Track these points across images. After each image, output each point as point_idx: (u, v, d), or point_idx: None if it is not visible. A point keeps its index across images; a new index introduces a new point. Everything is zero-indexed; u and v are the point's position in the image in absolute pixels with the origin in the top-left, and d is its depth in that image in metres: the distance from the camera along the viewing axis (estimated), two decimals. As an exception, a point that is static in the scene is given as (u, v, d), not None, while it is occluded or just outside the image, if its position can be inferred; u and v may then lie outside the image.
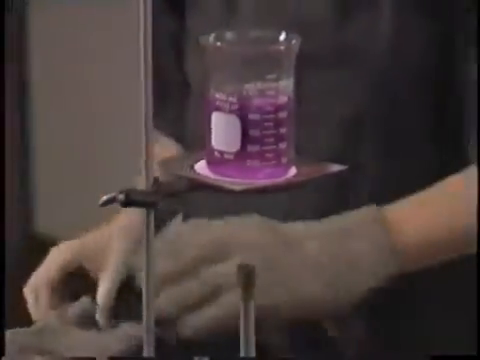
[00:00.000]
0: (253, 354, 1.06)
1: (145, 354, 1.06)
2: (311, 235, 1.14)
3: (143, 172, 0.98)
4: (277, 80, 0.95)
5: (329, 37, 1.28)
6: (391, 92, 1.27)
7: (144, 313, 1.02)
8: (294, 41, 0.97)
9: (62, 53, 4.16)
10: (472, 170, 1.21)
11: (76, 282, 1.42)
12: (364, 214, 1.18)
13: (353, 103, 1.28)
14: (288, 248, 1.15)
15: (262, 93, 0.95)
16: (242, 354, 1.05)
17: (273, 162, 0.96)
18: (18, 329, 1.30)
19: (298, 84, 0.99)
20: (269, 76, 0.95)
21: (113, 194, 1.02)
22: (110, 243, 1.36)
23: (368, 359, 1.31)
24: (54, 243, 1.47)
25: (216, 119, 0.96)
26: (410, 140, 1.28)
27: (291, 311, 1.16)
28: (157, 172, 0.98)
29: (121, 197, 0.99)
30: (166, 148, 1.27)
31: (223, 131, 0.96)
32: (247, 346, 1.03)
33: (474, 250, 1.22)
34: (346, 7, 1.28)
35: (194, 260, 1.18)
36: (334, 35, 1.28)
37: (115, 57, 4.02)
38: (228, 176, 0.96)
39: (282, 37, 0.97)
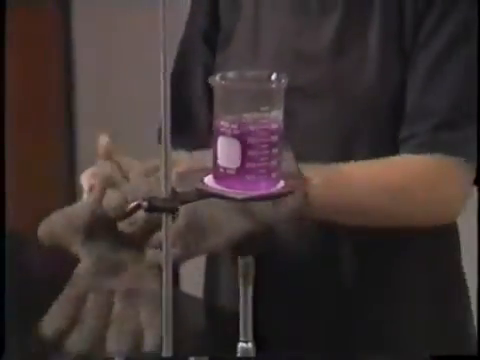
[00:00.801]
0: (250, 334, 1.14)
1: (164, 354, 1.08)
2: None
3: (162, 183, 1.05)
4: (269, 111, 1.05)
5: (326, 71, 1.35)
6: (374, 115, 1.33)
7: (163, 316, 1.05)
8: (283, 80, 1.06)
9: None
10: (396, 159, 1.29)
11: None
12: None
13: (343, 124, 1.34)
14: None
15: (257, 121, 1.05)
16: (241, 335, 1.14)
17: (266, 176, 1.06)
18: None
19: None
20: (263, 108, 1.05)
21: (138, 201, 1.10)
22: None
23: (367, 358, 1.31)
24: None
25: (221, 142, 1.06)
26: (385, 149, 1.31)
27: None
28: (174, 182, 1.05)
29: (145, 204, 1.07)
30: (181, 157, 1.26)
31: (226, 152, 1.06)
32: (245, 327, 1.13)
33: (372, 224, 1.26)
34: (340, 48, 1.34)
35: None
36: (331, 70, 1.35)
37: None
38: (230, 188, 1.06)
39: (273, 77, 1.07)
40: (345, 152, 1.31)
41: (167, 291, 1.04)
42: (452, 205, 1.33)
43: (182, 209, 1.04)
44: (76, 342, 1.17)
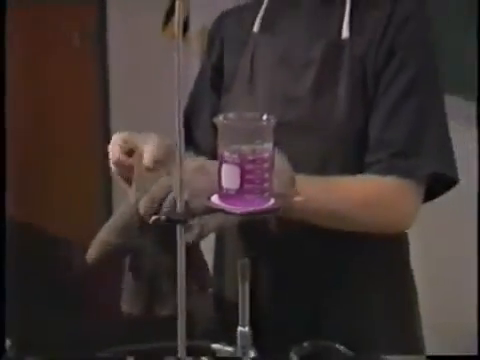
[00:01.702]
0: (247, 321, 1.12)
1: (179, 355, 1.07)
2: None
3: (178, 200, 1.07)
4: (262, 143, 1.06)
5: (307, 111, 1.34)
6: (343, 145, 1.33)
7: (179, 322, 1.05)
8: (272, 120, 1.07)
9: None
10: (360, 177, 1.30)
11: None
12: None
13: (320, 151, 1.34)
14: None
15: (253, 152, 1.05)
16: (240, 321, 1.12)
17: (260, 196, 1.07)
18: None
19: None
20: (257, 141, 1.06)
21: (158, 216, 1.13)
22: None
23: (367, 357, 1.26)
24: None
25: (224, 168, 1.06)
26: (352, 171, 1.29)
27: None
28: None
29: (163, 218, 1.11)
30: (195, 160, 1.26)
31: (228, 176, 1.06)
32: (243, 315, 1.12)
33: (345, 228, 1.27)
34: (317, 94, 1.33)
35: None
36: (310, 110, 1.34)
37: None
38: (232, 205, 1.06)
39: (264, 117, 1.07)
40: (321, 173, 1.30)
41: (180, 282, 1.04)
42: (404, 218, 1.34)
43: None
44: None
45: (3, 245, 1.12)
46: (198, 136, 1.47)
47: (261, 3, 1.42)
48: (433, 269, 2.57)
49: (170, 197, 1.20)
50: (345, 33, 1.32)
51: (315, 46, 1.35)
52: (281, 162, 1.19)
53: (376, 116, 1.31)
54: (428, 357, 1.19)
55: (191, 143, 1.45)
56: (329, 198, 1.24)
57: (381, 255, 1.40)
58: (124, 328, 1.32)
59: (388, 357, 1.20)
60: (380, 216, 1.30)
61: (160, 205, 1.19)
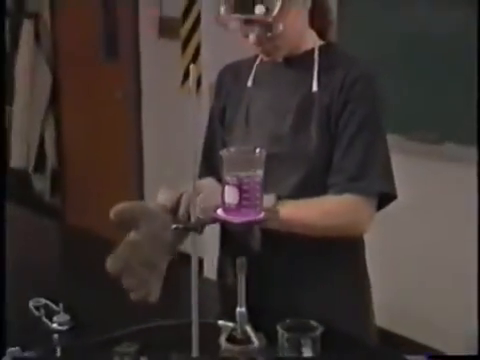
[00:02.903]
0: (244, 303, 1.09)
1: (193, 354, 1.07)
2: None
3: (192, 214, 1.07)
4: (255, 170, 1.06)
5: (287, 147, 1.32)
6: (316, 170, 1.31)
7: (193, 292, 1.05)
8: (263, 152, 1.07)
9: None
10: (326, 197, 1.29)
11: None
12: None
13: (298, 176, 1.31)
14: None
15: (248, 177, 1.06)
16: (238, 303, 1.09)
17: (253, 209, 1.07)
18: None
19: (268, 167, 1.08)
20: (252, 169, 1.06)
21: (177, 224, 1.12)
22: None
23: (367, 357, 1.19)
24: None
25: (227, 189, 1.07)
26: (321, 190, 1.28)
27: None
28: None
29: (181, 226, 1.11)
30: (209, 184, 1.25)
31: (230, 194, 1.06)
32: (240, 298, 1.09)
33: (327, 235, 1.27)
34: (295, 133, 1.32)
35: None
36: (290, 146, 1.32)
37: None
38: (232, 216, 1.06)
39: (257, 151, 1.07)
40: (300, 191, 1.30)
41: (194, 275, 1.02)
42: (359, 225, 1.33)
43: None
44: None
45: (3, 245, 1.08)
46: (216, 164, 1.42)
47: (254, 62, 1.41)
48: (434, 268, 2.52)
49: (183, 211, 1.20)
50: (314, 88, 1.32)
51: (293, 97, 1.34)
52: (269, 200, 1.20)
53: (336, 149, 1.30)
54: (430, 357, 1.07)
55: (211, 168, 1.42)
56: (305, 213, 1.25)
57: (343, 252, 1.37)
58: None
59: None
60: (340, 225, 1.30)
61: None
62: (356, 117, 1.29)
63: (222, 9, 1.24)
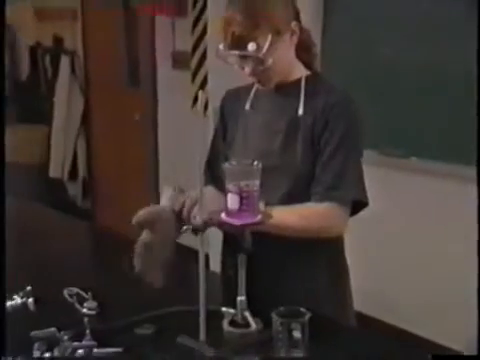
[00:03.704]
0: (244, 292, 1.11)
1: (201, 335, 1.05)
2: None
3: (199, 217, 1.06)
4: (253, 180, 1.06)
5: (278, 161, 1.30)
6: (301, 181, 1.28)
7: (201, 282, 1.04)
8: (259, 165, 1.06)
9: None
10: (307, 204, 1.26)
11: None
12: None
13: (287, 186, 1.29)
14: None
15: (247, 186, 1.05)
16: (238, 292, 1.11)
17: (251, 213, 1.06)
18: None
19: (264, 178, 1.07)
20: (250, 179, 1.05)
21: (187, 227, 1.11)
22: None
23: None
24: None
25: (229, 196, 1.06)
26: (305, 198, 1.26)
27: None
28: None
29: (191, 227, 1.09)
30: (210, 192, 1.24)
31: (232, 201, 1.05)
32: (241, 288, 1.11)
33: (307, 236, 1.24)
34: (283, 150, 1.30)
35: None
36: (280, 160, 1.30)
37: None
38: (233, 218, 1.06)
39: (255, 163, 1.07)
40: (287, 199, 1.27)
41: (201, 268, 1.01)
42: (335, 228, 1.30)
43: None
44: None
45: (3, 245, 1.04)
46: (218, 175, 1.41)
47: (251, 89, 1.40)
48: (433, 269, 2.46)
49: (186, 214, 1.16)
50: (300, 112, 1.30)
51: (282, 120, 1.32)
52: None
53: (317, 164, 1.28)
54: (433, 357, 1.00)
55: (213, 179, 1.39)
56: (289, 218, 1.22)
57: (325, 249, 1.35)
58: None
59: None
60: (319, 227, 1.27)
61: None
62: (334, 136, 1.26)
63: (221, 46, 1.23)
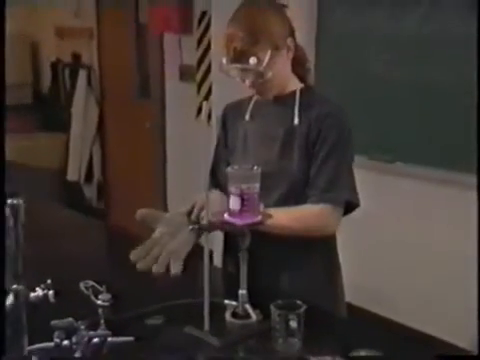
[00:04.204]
0: (245, 285, 1.09)
1: (205, 326, 1.03)
2: None
3: (205, 218, 1.05)
4: (253, 184, 1.05)
5: (276, 166, 1.28)
6: (297, 185, 1.27)
7: (205, 276, 1.03)
8: (259, 170, 1.05)
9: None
10: (303, 205, 1.24)
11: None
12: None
13: (283, 189, 1.28)
14: None
15: (248, 188, 1.04)
16: (240, 286, 1.09)
17: (251, 214, 1.05)
18: None
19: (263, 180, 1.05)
20: (251, 182, 1.05)
21: (193, 225, 1.10)
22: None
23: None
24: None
25: (231, 198, 1.05)
26: (301, 200, 1.25)
27: None
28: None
29: (197, 226, 1.09)
30: (215, 195, 1.21)
31: (234, 202, 1.05)
32: (243, 282, 1.09)
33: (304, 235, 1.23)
34: (280, 158, 1.29)
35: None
36: (278, 166, 1.29)
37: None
38: (235, 218, 1.05)
39: (254, 168, 1.06)
40: (283, 201, 1.27)
41: (206, 264, 0.99)
42: (330, 227, 1.29)
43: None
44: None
45: (3, 245, 0.99)
46: (220, 179, 1.39)
47: (250, 100, 1.39)
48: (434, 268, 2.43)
49: (196, 214, 1.16)
50: (296, 121, 1.29)
51: (279, 129, 1.31)
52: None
53: (312, 168, 1.27)
54: (435, 356, 0.95)
55: (217, 182, 1.38)
56: (288, 218, 1.22)
57: (319, 246, 1.33)
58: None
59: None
60: (313, 227, 1.26)
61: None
62: (327, 143, 1.26)
63: (224, 60, 1.23)
